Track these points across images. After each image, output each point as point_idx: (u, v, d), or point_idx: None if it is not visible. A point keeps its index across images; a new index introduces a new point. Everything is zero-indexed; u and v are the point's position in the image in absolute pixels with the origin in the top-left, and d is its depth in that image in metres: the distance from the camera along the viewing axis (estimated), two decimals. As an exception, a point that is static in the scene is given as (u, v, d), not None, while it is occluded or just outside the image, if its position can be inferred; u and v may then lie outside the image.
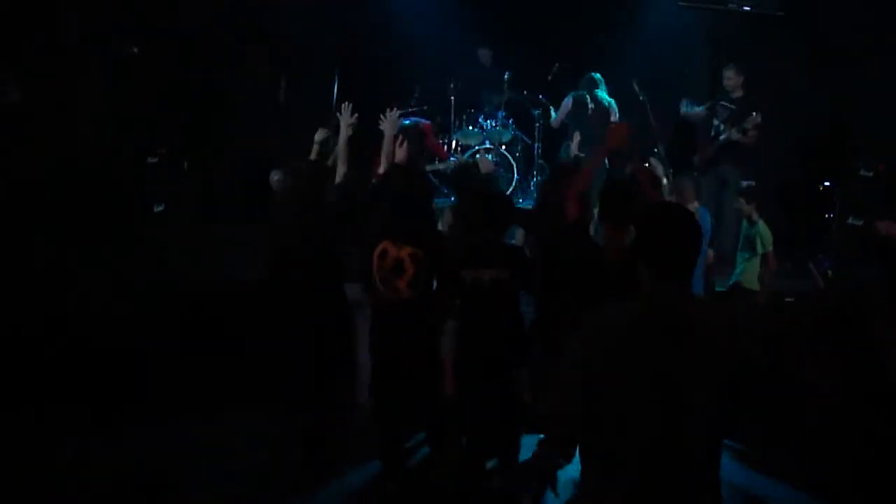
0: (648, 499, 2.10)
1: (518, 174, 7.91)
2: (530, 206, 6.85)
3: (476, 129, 8.08)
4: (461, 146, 8.16)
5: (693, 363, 2.09)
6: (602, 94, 7.31)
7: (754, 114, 6.65)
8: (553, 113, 7.69)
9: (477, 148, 7.94)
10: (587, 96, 7.28)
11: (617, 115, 7.17)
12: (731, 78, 6.98)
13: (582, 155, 7.25)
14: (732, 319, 2.22)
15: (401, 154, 4.73)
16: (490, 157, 7.55)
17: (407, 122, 7.37)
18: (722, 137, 6.86)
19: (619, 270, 3.29)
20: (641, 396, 2.09)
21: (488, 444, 3.92)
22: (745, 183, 6.32)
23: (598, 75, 7.38)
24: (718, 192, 6.88)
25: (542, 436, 2.24)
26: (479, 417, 3.85)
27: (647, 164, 7.04)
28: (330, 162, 4.88)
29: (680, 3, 8.00)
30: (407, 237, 3.92)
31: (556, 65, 8.00)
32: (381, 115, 4.80)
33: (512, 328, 3.88)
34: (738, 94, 6.95)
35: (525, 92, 8.31)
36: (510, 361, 3.84)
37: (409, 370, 3.97)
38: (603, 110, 7.25)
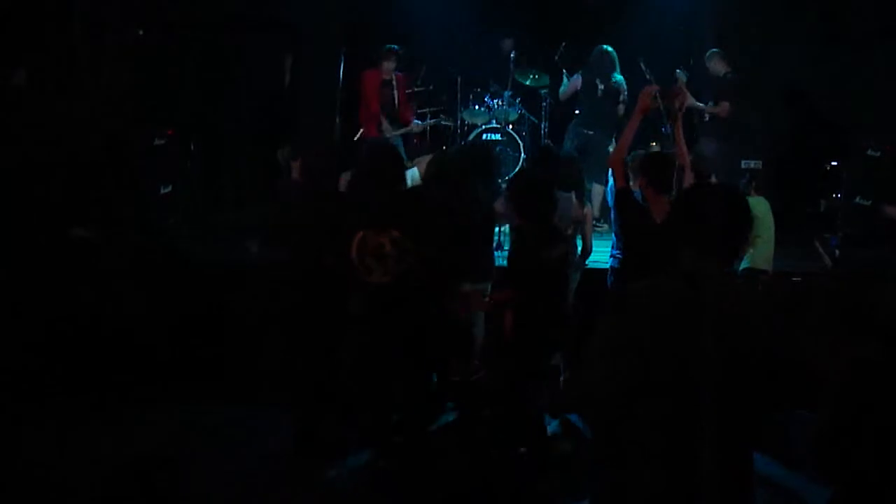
0: (688, 479, 2.08)
1: (525, 153, 7.87)
2: None
3: (482, 109, 8.06)
4: (467, 125, 8.14)
5: (729, 344, 2.06)
6: (615, 74, 7.20)
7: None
8: (566, 79, 7.62)
9: (483, 127, 7.93)
10: (597, 78, 7.20)
11: (626, 93, 7.13)
12: (710, 67, 7.08)
13: (591, 133, 7.25)
14: (764, 301, 2.21)
15: None
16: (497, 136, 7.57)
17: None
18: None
19: (664, 233, 3.36)
20: (683, 376, 2.07)
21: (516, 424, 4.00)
22: (752, 163, 6.32)
23: (611, 50, 7.19)
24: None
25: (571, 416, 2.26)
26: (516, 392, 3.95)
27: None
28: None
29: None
30: None
31: (563, 44, 7.95)
32: None
33: (563, 306, 4.10)
34: (723, 71, 7.02)
35: (534, 73, 8.27)
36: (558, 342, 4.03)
37: None
38: (613, 91, 7.18)
